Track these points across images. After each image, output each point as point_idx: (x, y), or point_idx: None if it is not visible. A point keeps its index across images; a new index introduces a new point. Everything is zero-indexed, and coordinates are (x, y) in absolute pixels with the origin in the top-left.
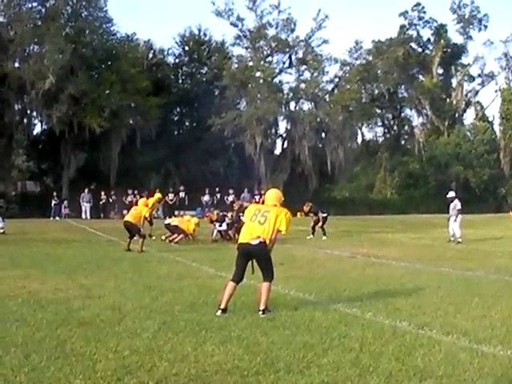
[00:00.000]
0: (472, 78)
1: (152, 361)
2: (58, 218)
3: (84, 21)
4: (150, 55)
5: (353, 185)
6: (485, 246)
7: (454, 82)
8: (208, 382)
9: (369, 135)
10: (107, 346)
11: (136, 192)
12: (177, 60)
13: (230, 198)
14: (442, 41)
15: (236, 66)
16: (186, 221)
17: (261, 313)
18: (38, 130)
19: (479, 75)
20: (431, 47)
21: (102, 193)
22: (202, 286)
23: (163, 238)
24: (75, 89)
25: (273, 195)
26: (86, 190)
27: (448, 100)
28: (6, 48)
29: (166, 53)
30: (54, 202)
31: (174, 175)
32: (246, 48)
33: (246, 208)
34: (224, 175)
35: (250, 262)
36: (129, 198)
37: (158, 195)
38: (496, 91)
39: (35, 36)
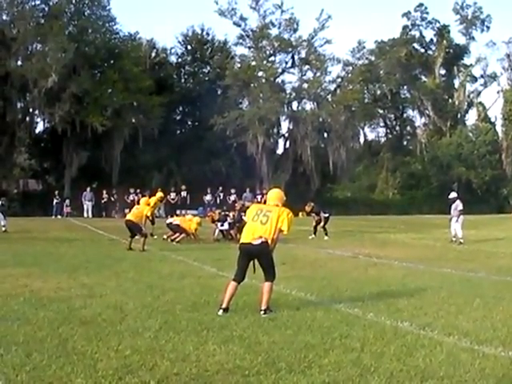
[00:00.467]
0: (474, 79)
1: (153, 360)
2: (59, 217)
3: (87, 19)
4: (153, 54)
5: (355, 185)
6: (486, 246)
7: (457, 82)
8: (209, 382)
9: (371, 135)
10: (109, 345)
11: (138, 191)
12: (179, 59)
13: (232, 198)
14: (444, 41)
15: (239, 65)
16: (188, 220)
17: (262, 312)
18: (40, 128)
19: (481, 76)
20: (434, 48)
21: (104, 192)
22: (204, 285)
23: (165, 237)
24: (78, 87)
25: (275, 195)
26: (88, 189)
27: (450, 101)
28: (8, 46)
29: (168, 52)
30: (55, 201)
31: (175, 174)
32: (249, 48)
33: (248, 208)
34: (226, 175)
35: (251, 262)
36: (131, 197)
37: (159, 194)
38: (498, 92)
39: (38, 34)
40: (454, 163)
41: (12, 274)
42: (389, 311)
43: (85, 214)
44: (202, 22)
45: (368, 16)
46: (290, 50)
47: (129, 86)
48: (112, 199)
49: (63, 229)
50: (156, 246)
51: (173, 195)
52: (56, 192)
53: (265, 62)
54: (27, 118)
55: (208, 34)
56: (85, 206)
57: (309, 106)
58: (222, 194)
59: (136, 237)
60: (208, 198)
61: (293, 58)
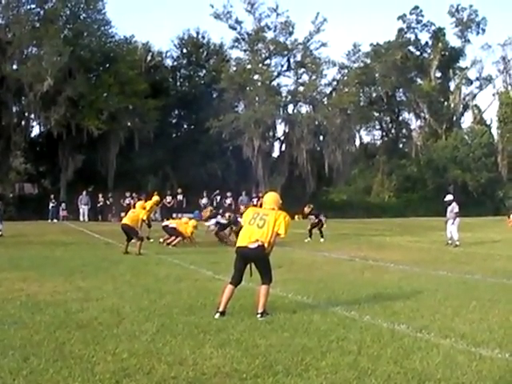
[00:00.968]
0: (470, 82)
1: (151, 363)
2: (55, 221)
3: (82, 23)
4: (149, 58)
5: (350, 188)
6: (483, 249)
7: (452, 85)
8: None
9: (367, 138)
10: (106, 349)
11: (134, 195)
12: (175, 62)
13: (228, 201)
14: (439, 44)
15: (234, 68)
16: (184, 223)
17: (259, 316)
18: (35, 132)
19: (477, 78)
20: (429, 50)
21: (100, 195)
22: (201, 288)
23: (161, 240)
24: (73, 91)
25: (271, 198)
26: (84, 193)
27: (446, 103)
28: (4, 50)
29: (164, 55)
30: (51, 205)
31: (171, 178)
32: (245, 51)
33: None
34: (222, 178)
35: (248, 265)
36: (126, 201)
37: (156, 198)
38: (494, 94)
39: (33, 38)
40: (450, 166)
41: (8, 278)
42: (385, 314)
43: (81, 218)
44: (198, 26)
45: (363, 19)
46: (285, 53)
47: (124, 89)
48: (108, 203)
49: (59, 232)
50: (152, 249)
51: (169, 198)
52: (52, 196)
53: (260, 65)
54: (23, 122)
55: (203, 37)
56: (81, 210)
57: (304, 109)
58: (218, 198)
59: (132, 240)
60: (204, 201)
61: (288, 61)
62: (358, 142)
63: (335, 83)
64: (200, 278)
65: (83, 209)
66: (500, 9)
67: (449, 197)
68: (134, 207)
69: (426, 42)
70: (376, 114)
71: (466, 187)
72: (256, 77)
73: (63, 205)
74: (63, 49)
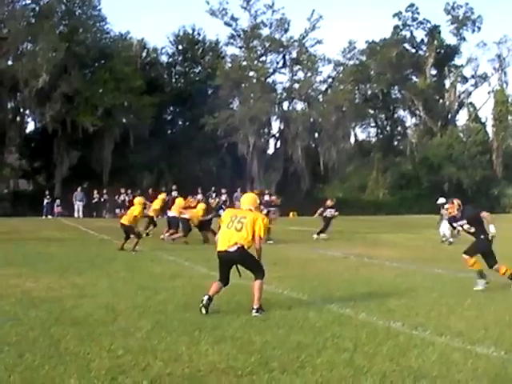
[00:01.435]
0: (465, 80)
1: (146, 360)
2: (50, 217)
3: (78, 19)
4: (144, 54)
5: (345, 185)
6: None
7: (447, 83)
8: (202, 382)
9: (362, 136)
10: (101, 346)
11: (129, 191)
12: (170, 59)
13: (223, 198)
14: (435, 42)
15: (229, 65)
16: (196, 211)
17: (254, 311)
18: (30, 128)
19: (472, 76)
20: (425, 48)
21: (95, 192)
22: (196, 285)
23: (162, 237)
24: (68, 87)
25: (248, 199)
26: (79, 189)
27: (441, 101)
28: None
29: (159, 52)
30: (46, 201)
31: (166, 174)
32: (240, 48)
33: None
34: (217, 175)
35: (234, 267)
36: (121, 197)
37: (162, 196)
38: (489, 92)
39: (29, 34)
40: (445, 163)
41: (2, 274)
42: (380, 311)
43: (75, 214)
44: (193, 22)
45: (359, 16)
46: (281, 50)
47: (120, 85)
48: (102, 199)
49: (54, 229)
50: (147, 245)
51: (163, 195)
52: (46, 192)
53: (256, 61)
54: (18, 118)
55: (199, 33)
56: (75, 206)
57: (300, 106)
58: (213, 194)
59: (130, 238)
60: (199, 198)
61: (284, 58)
62: (352, 140)
63: (330, 80)
64: (195, 275)
65: (78, 205)
66: (496, 7)
67: (441, 200)
68: (132, 204)
69: (422, 40)
70: (371, 112)
71: (461, 185)
72: (251, 74)
73: (58, 201)
74: (58, 45)
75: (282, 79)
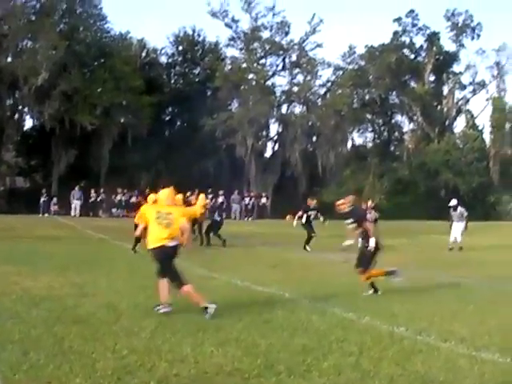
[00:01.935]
0: (463, 86)
1: (151, 361)
2: (46, 215)
3: (78, 17)
4: (143, 54)
5: (342, 189)
6: (475, 253)
7: (446, 89)
8: None
9: (359, 140)
10: (105, 345)
11: (126, 191)
12: (170, 60)
13: (220, 199)
14: (434, 48)
15: (229, 67)
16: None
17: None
18: (28, 125)
19: (470, 83)
20: (423, 54)
21: (92, 190)
22: (196, 286)
23: None
24: (68, 85)
25: (166, 195)
26: (77, 188)
27: (439, 107)
28: None
29: (159, 52)
30: (43, 199)
31: (164, 175)
32: (240, 49)
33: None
34: (214, 176)
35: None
36: (118, 197)
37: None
38: (487, 100)
39: (29, 31)
40: (442, 169)
41: (1, 271)
42: (383, 316)
43: (72, 213)
44: (194, 23)
45: (360, 21)
46: (281, 52)
47: (119, 84)
48: (99, 199)
49: (51, 227)
50: (145, 246)
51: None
52: (43, 190)
53: (255, 64)
54: (16, 115)
55: (199, 35)
56: (72, 205)
57: (298, 109)
58: (210, 196)
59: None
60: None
61: (283, 61)
62: (349, 144)
63: (330, 84)
64: (194, 276)
65: (75, 204)
66: (495, 14)
67: (453, 201)
68: (128, 203)
69: (421, 46)
70: (368, 116)
71: (458, 191)
72: (251, 76)
73: (55, 199)
74: (58, 43)
75: (281, 82)
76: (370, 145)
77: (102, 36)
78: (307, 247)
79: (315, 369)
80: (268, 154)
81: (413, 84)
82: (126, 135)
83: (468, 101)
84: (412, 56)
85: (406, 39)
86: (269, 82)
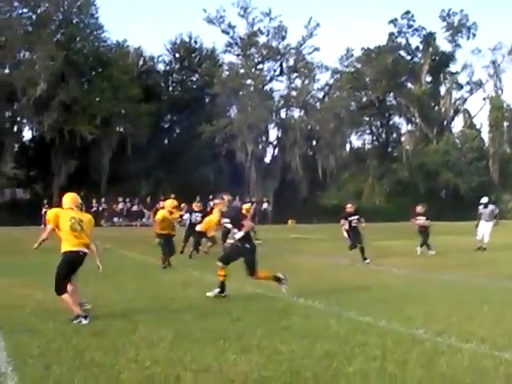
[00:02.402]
0: (460, 86)
1: (175, 371)
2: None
3: (75, 27)
4: (141, 62)
5: (341, 192)
6: (484, 252)
7: (443, 89)
8: None
9: (357, 143)
10: (127, 356)
11: (127, 199)
12: (167, 67)
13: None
14: (430, 49)
15: (227, 73)
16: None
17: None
18: (28, 136)
19: (467, 83)
20: (420, 55)
21: (93, 200)
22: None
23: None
24: (66, 96)
25: (71, 199)
26: None
27: (436, 108)
28: None
29: (156, 60)
30: (44, 210)
31: (164, 182)
32: (237, 55)
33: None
34: (214, 183)
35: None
36: (119, 206)
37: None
38: (484, 99)
39: (26, 42)
40: (441, 170)
41: (11, 284)
42: (400, 319)
43: None
44: (190, 30)
45: (356, 23)
46: (278, 57)
47: (117, 94)
48: (100, 208)
49: (54, 238)
50: (153, 255)
51: (162, 203)
52: (45, 201)
53: (253, 69)
54: (15, 127)
55: (196, 41)
56: None
57: (297, 113)
58: (211, 203)
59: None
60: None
61: (281, 65)
62: (348, 147)
63: (328, 88)
64: (206, 284)
65: None
66: (491, 14)
67: (485, 199)
68: (129, 211)
69: (417, 47)
70: (366, 119)
71: (458, 191)
72: (249, 81)
73: None
74: (56, 53)
75: (279, 87)
76: (368, 147)
77: (100, 45)
78: (366, 259)
79: (341, 374)
80: (268, 159)
81: (410, 85)
82: (126, 144)
83: (465, 100)
84: (408, 57)
85: (402, 40)
86: (267, 87)
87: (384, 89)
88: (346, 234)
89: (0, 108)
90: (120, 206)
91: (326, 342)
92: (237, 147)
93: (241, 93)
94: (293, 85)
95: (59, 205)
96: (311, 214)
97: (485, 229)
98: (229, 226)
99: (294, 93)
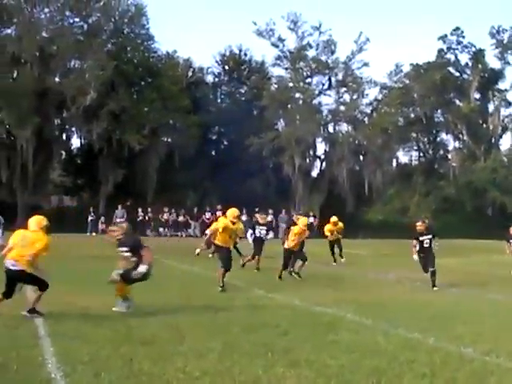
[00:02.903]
0: (509, 104)
1: (225, 383)
2: (94, 234)
3: (126, 38)
4: (190, 73)
5: (386, 208)
6: None
7: (491, 107)
8: None
9: (404, 159)
10: (175, 367)
11: (173, 210)
12: (216, 79)
13: (269, 218)
14: (479, 65)
15: (276, 86)
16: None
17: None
18: (76, 145)
19: None
20: (469, 72)
21: (140, 210)
22: (255, 306)
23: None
24: (115, 105)
25: (34, 221)
26: (120, 207)
27: (484, 125)
28: (47, 63)
29: (205, 71)
30: (90, 218)
31: (211, 194)
32: (286, 69)
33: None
34: (261, 195)
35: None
36: (165, 216)
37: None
38: None
39: (77, 51)
40: (489, 188)
41: (57, 290)
42: (448, 337)
43: None
44: (240, 43)
45: (405, 39)
46: (327, 71)
47: (166, 104)
48: (146, 218)
49: (100, 246)
50: (200, 264)
51: (208, 215)
52: (91, 209)
53: (302, 83)
54: (64, 135)
55: (245, 54)
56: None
57: (345, 128)
58: (257, 215)
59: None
60: (243, 218)
61: (330, 80)
62: (394, 163)
63: (376, 103)
64: (252, 296)
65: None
66: None
67: None
68: (177, 221)
69: (466, 63)
70: (414, 135)
71: (505, 209)
72: (297, 95)
73: (102, 218)
74: (106, 62)
75: (327, 101)
76: (415, 163)
77: (150, 56)
78: (435, 286)
79: None
80: (315, 173)
81: (458, 102)
82: (173, 154)
83: None
84: (457, 74)
85: (451, 57)
86: (315, 101)
87: (432, 105)
88: (416, 257)
89: (49, 116)
90: (165, 216)
91: (374, 358)
92: (284, 160)
93: (289, 106)
94: (341, 99)
95: (105, 213)
96: (356, 229)
97: None
98: (127, 254)
99: (342, 107)
